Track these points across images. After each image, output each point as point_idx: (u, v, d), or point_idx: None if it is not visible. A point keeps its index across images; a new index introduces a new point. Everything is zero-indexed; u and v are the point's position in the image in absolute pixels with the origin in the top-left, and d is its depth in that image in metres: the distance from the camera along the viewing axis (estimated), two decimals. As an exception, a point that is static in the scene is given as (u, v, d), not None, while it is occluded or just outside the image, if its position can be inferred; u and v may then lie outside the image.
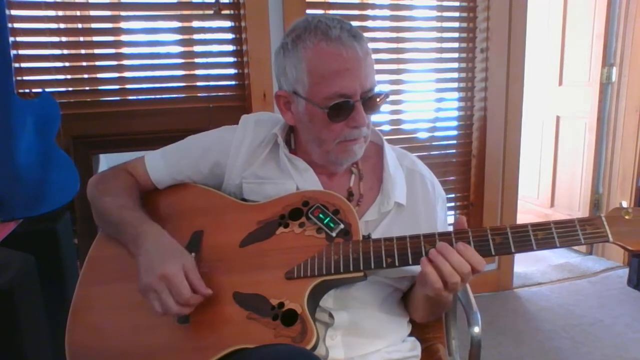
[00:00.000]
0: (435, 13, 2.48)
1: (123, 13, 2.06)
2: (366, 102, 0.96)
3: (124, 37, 2.07)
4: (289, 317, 0.88)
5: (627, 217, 0.87)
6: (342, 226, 0.94)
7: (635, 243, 0.85)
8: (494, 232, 0.88)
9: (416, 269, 0.90)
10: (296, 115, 1.01)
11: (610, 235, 0.85)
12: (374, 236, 0.98)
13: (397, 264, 0.90)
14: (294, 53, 0.96)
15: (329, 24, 0.94)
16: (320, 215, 0.95)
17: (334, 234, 0.94)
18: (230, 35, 2.17)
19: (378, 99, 0.98)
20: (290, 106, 1.02)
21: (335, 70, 0.92)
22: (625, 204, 0.88)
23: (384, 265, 0.90)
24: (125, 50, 2.07)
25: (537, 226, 0.88)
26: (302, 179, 1.04)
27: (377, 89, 0.97)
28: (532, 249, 0.87)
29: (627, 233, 0.85)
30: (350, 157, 1.02)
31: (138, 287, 0.90)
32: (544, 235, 0.87)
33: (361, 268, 0.90)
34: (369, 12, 2.41)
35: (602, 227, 0.86)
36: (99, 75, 2.07)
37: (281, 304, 0.89)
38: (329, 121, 0.95)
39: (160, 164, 1.10)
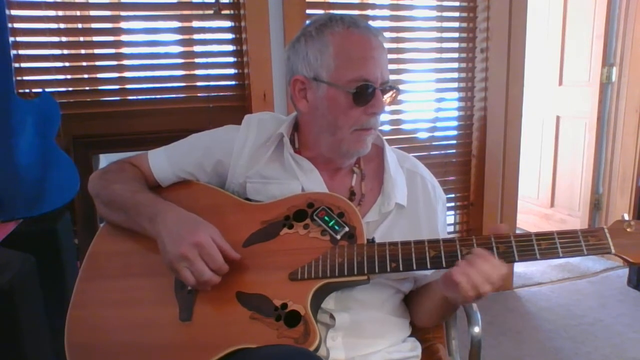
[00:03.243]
0: (435, 13, 2.48)
1: (123, 13, 2.06)
2: (383, 92, 0.99)
3: (124, 37, 2.07)
4: (292, 318, 0.88)
5: (628, 229, 0.88)
6: (346, 229, 0.94)
7: (636, 256, 0.86)
8: (498, 240, 0.89)
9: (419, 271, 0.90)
10: (312, 102, 1.02)
11: (612, 247, 0.87)
12: (375, 236, 0.99)
13: (401, 269, 0.90)
14: (319, 39, 0.98)
15: (353, 17, 0.99)
16: (326, 218, 0.95)
17: (338, 237, 0.94)
18: (230, 35, 2.17)
19: (392, 93, 1.01)
20: (306, 93, 1.02)
21: (363, 55, 0.96)
22: (627, 217, 0.90)
23: (388, 270, 0.90)
24: (125, 50, 2.07)
25: (541, 236, 0.89)
26: (307, 180, 1.04)
27: (390, 84, 1.01)
28: (535, 258, 0.88)
29: (628, 245, 0.87)
30: (361, 148, 1.02)
31: (165, 259, 0.90)
32: (548, 245, 0.88)
33: (365, 272, 0.90)
34: (369, 12, 2.41)
35: (605, 238, 0.87)
36: (99, 75, 2.06)
37: (284, 305, 0.89)
38: (351, 104, 0.97)
39: (163, 162, 1.10)
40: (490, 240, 0.89)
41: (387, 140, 1.13)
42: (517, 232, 0.92)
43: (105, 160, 2.10)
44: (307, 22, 1.03)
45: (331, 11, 2.26)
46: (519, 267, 2.98)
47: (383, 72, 0.98)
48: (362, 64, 0.96)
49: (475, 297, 0.86)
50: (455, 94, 2.64)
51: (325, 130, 1.02)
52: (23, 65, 1.91)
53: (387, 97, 1.00)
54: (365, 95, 0.96)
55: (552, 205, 3.57)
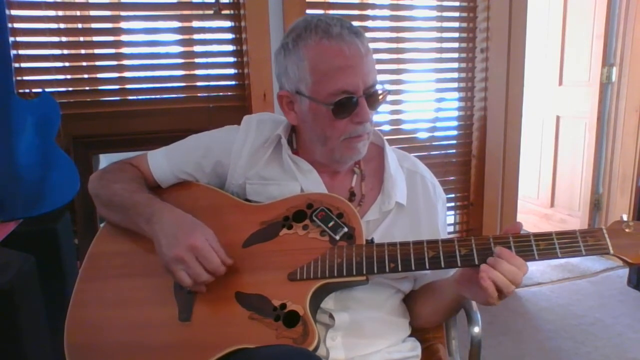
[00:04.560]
0: (435, 13, 2.49)
1: (123, 13, 2.06)
2: (369, 98, 0.96)
3: (124, 37, 2.08)
4: (291, 319, 0.88)
5: (627, 230, 0.88)
6: (345, 229, 0.94)
7: (635, 256, 0.86)
8: (496, 241, 0.88)
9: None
10: (300, 114, 1.01)
11: (610, 248, 0.86)
12: (375, 235, 0.99)
13: (399, 269, 0.90)
14: (295, 52, 0.96)
15: (329, 22, 0.94)
16: (325, 218, 0.95)
17: (337, 237, 0.94)
18: (230, 35, 2.17)
19: (380, 95, 0.98)
20: (294, 106, 1.02)
21: (338, 66, 0.93)
22: (625, 217, 0.89)
23: (387, 270, 0.90)
24: (125, 50, 2.07)
25: (540, 236, 0.88)
26: (306, 180, 1.04)
27: (378, 85, 0.98)
28: (533, 259, 0.87)
29: (627, 246, 0.86)
30: (355, 154, 1.02)
31: (161, 260, 0.91)
32: (546, 245, 0.87)
33: (364, 272, 0.90)
34: (369, 12, 2.41)
35: (603, 239, 0.87)
36: (99, 75, 2.07)
37: (283, 305, 0.89)
38: (333, 118, 0.96)
39: (163, 162, 1.09)
40: (488, 240, 0.89)
41: (387, 140, 1.13)
42: (517, 232, 0.91)
43: (105, 160, 2.11)
44: (289, 28, 1.00)
45: (329, 11, 2.26)
46: (519, 267, 2.97)
47: (365, 79, 0.94)
48: (338, 76, 0.93)
49: (500, 298, 0.86)
50: (455, 94, 2.64)
51: (316, 140, 1.02)
52: (23, 65, 1.91)
53: (378, 99, 0.98)
54: (348, 106, 0.94)
55: (552, 205, 3.57)
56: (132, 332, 0.95)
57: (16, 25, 1.88)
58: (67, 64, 2.02)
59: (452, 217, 2.76)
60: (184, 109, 2.13)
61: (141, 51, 2.09)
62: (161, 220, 0.93)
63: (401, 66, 2.46)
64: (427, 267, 0.90)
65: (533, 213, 3.67)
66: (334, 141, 0.99)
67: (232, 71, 2.20)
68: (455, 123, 2.64)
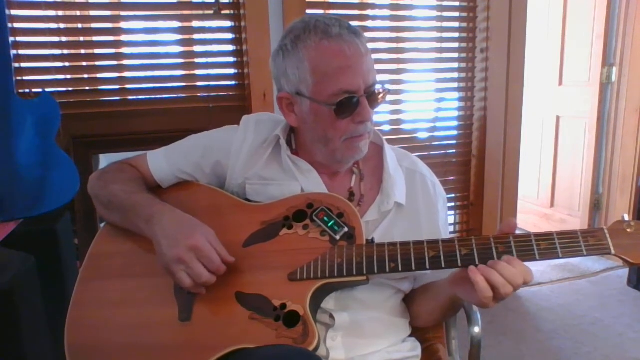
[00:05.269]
0: (435, 13, 2.49)
1: (123, 13, 2.06)
2: (369, 97, 0.96)
3: (124, 37, 2.08)
4: (291, 319, 0.88)
5: (629, 230, 0.88)
6: (346, 229, 0.94)
7: (636, 256, 0.86)
8: (497, 241, 0.88)
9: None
10: (300, 116, 1.01)
11: (612, 248, 0.86)
12: (375, 236, 0.99)
13: (400, 269, 0.90)
14: (294, 54, 0.96)
15: (327, 23, 0.95)
16: (325, 218, 0.95)
17: (338, 237, 0.94)
18: (230, 35, 2.17)
19: (380, 94, 0.99)
20: (294, 108, 1.02)
21: (339, 67, 0.93)
22: (627, 217, 0.89)
23: (387, 270, 0.90)
24: (125, 50, 2.07)
25: (540, 236, 0.88)
26: (307, 180, 1.04)
27: (378, 84, 0.98)
28: (534, 259, 0.87)
29: (628, 246, 0.86)
30: (357, 154, 1.02)
31: (161, 261, 0.90)
32: (547, 245, 0.87)
33: (364, 272, 0.90)
34: (369, 12, 2.41)
35: (605, 239, 0.87)
36: (99, 75, 2.07)
37: (283, 305, 0.89)
38: (335, 118, 0.96)
39: (162, 163, 1.10)
40: (489, 241, 0.89)
41: (387, 140, 1.13)
42: (517, 232, 0.91)
43: (105, 160, 2.11)
44: (286, 29, 1.00)
45: (329, 11, 2.26)
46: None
47: (366, 78, 0.94)
48: (339, 77, 0.93)
49: (495, 299, 0.84)
50: (455, 94, 2.64)
51: (318, 141, 1.02)
52: (23, 65, 1.91)
53: (378, 98, 0.98)
54: (350, 106, 0.95)
55: (552, 205, 3.57)
56: (133, 332, 0.95)
57: (16, 25, 1.88)
58: (67, 64, 2.02)
59: (452, 217, 2.76)
60: (184, 109, 2.13)
61: (141, 51, 2.09)
62: (161, 221, 0.93)
63: (401, 66, 2.46)
64: (428, 267, 0.89)
65: (533, 213, 3.67)
66: (335, 142, 0.99)
67: (232, 71, 2.20)
68: (455, 123, 2.64)
